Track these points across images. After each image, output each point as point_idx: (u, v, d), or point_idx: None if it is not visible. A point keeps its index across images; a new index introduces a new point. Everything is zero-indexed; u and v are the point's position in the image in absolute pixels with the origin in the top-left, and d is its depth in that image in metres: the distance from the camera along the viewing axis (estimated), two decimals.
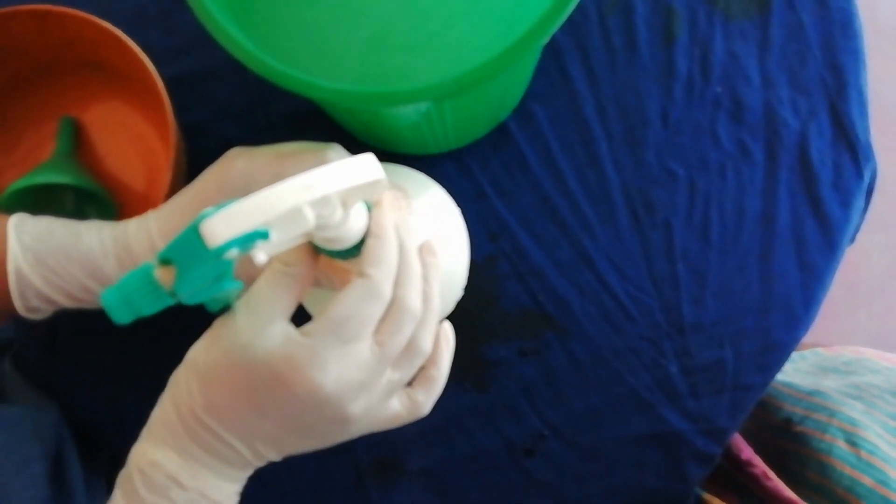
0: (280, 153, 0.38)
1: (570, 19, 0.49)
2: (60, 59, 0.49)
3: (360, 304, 0.29)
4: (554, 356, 0.49)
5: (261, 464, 0.32)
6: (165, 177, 0.44)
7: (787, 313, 0.48)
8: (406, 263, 0.31)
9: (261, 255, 0.26)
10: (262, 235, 0.26)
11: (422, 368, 0.33)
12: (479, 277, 0.49)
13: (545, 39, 0.32)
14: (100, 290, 0.34)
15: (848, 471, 0.47)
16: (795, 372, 0.63)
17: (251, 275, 0.34)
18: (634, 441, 0.48)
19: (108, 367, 0.51)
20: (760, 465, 0.49)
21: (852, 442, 0.48)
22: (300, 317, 0.30)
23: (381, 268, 0.30)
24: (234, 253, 0.25)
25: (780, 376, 0.57)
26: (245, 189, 0.35)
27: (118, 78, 0.50)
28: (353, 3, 0.36)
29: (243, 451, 0.30)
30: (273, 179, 0.32)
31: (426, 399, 0.33)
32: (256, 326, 0.29)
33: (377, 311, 0.30)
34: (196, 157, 0.50)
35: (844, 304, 1.18)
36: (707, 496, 0.50)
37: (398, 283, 0.31)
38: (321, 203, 0.27)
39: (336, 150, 0.39)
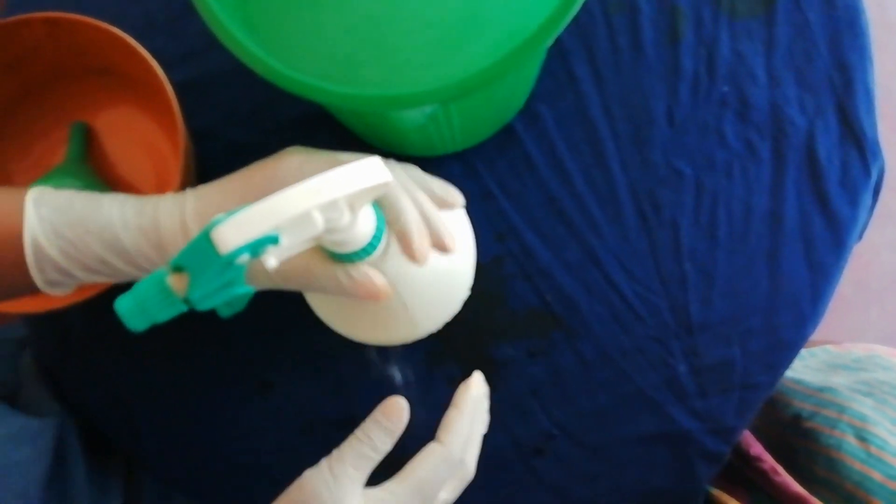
0: (338, 160, 0.38)
1: (576, 20, 0.49)
2: (71, 65, 0.50)
3: (438, 468, 0.37)
4: (562, 356, 0.49)
5: None
6: (175, 180, 0.44)
7: (794, 312, 0.48)
8: (472, 435, 0.39)
9: (271, 259, 0.27)
10: (273, 240, 0.26)
11: None
12: (486, 278, 0.49)
13: (550, 41, 0.32)
14: (116, 263, 0.35)
15: (857, 466, 0.46)
16: (805, 369, 0.62)
17: (260, 277, 0.35)
18: (643, 440, 0.48)
19: (119, 368, 0.52)
20: (769, 461, 0.49)
21: (862, 437, 0.48)
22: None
23: (458, 437, 0.38)
24: (245, 258, 0.26)
25: (789, 373, 0.56)
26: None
27: (128, 83, 0.50)
28: (359, 8, 0.36)
29: None
30: None
31: None
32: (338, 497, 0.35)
33: (450, 474, 0.38)
34: (205, 160, 0.50)
35: (856, 301, 1.17)
36: (716, 492, 0.50)
37: (464, 449, 0.38)
38: (329, 207, 0.27)
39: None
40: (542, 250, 0.49)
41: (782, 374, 0.48)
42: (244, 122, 0.52)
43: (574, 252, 0.49)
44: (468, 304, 0.48)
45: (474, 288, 0.48)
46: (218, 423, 0.51)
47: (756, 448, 0.50)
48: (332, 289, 0.35)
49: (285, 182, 0.36)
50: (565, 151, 0.50)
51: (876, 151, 0.49)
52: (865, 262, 1.17)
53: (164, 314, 0.27)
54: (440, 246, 0.37)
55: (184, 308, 0.27)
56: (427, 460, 0.37)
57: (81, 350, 0.52)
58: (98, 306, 0.43)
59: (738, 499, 0.48)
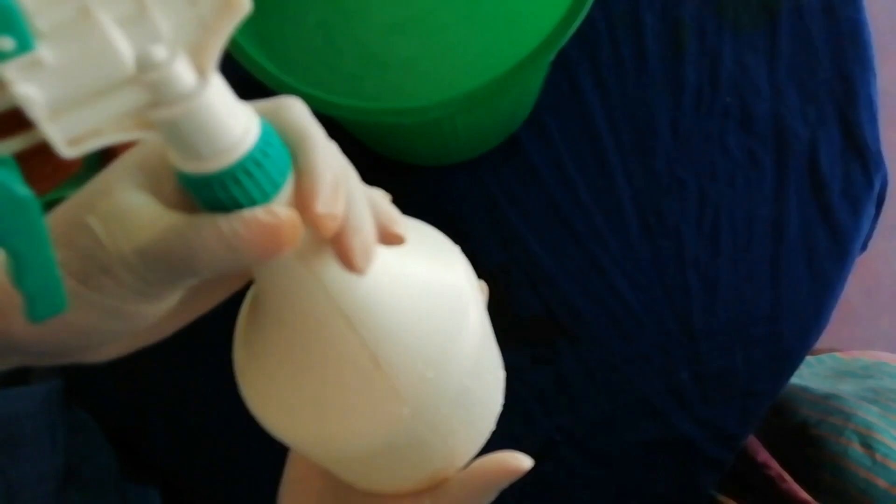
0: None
1: (579, 32, 0.50)
2: None
3: None
4: (566, 363, 0.49)
5: None
6: None
7: (797, 321, 0.48)
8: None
9: (39, 109, 0.16)
10: (20, 36, 0.14)
11: None
12: (491, 286, 0.50)
13: (553, 55, 0.33)
14: None
15: (862, 473, 0.47)
16: (812, 376, 0.63)
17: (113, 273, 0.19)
18: (646, 447, 0.49)
19: (130, 368, 0.53)
20: (776, 468, 0.49)
21: (867, 444, 0.48)
22: None
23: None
24: None
25: (795, 380, 0.57)
26: None
27: None
28: (367, 24, 0.37)
29: None
30: None
31: None
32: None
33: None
34: None
35: (866, 310, 1.17)
36: (722, 498, 0.50)
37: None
38: (132, 19, 0.15)
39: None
40: (546, 259, 0.50)
41: (785, 382, 0.48)
42: None
43: (578, 260, 0.50)
44: None
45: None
46: (230, 423, 0.52)
47: (763, 455, 0.50)
48: (218, 254, 0.18)
49: None
50: (570, 161, 0.51)
51: (878, 162, 0.49)
52: (875, 272, 1.16)
53: None
54: (388, 235, 0.22)
55: None
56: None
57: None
58: None
59: None
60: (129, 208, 0.19)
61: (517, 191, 0.51)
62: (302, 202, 0.19)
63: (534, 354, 0.50)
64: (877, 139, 0.49)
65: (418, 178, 0.51)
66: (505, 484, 0.30)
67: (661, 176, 0.50)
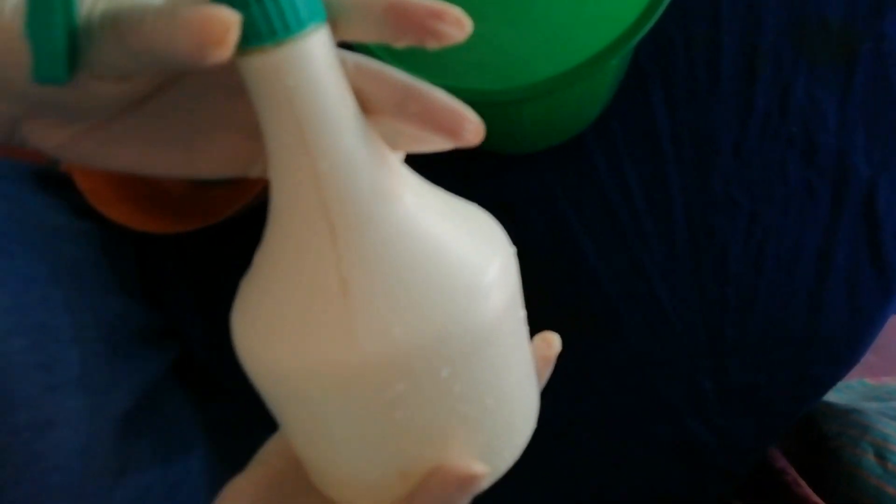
0: None
1: (657, 46, 0.53)
2: None
3: None
4: (594, 355, 0.52)
5: None
6: None
7: (828, 351, 0.49)
8: None
9: None
10: None
11: None
12: (536, 275, 0.53)
13: (619, 56, 0.36)
14: None
15: (874, 481, 0.47)
16: (836, 396, 0.63)
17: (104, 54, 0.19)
18: (659, 446, 0.51)
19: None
20: (793, 474, 0.50)
21: (881, 455, 0.48)
22: None
23: None
24: None
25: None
26: None
27: None
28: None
29: None
30: None
31: None
32: None
33: None
34: None
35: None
36: (735, 502, 0.52)
37: None
38: None
39: None
40: (593, 256, 0.53)
41: (807, 407, 0.49)
42: None
43: (622, 261, 0.52)
44: None
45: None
46: None
47: (781, 462, 0.51)
48: (161, 35, 0.18)
49: None
50: (630, 168, 0.53)
51: None
52: None
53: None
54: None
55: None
56: None
57: None
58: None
59: None
60: None
61: (575, 188, 0.54)
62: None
63: (564, 343, 0.52)
64: None
65: (480, 164, 0.55)
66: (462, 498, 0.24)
67: (717, 194, 0.52)
